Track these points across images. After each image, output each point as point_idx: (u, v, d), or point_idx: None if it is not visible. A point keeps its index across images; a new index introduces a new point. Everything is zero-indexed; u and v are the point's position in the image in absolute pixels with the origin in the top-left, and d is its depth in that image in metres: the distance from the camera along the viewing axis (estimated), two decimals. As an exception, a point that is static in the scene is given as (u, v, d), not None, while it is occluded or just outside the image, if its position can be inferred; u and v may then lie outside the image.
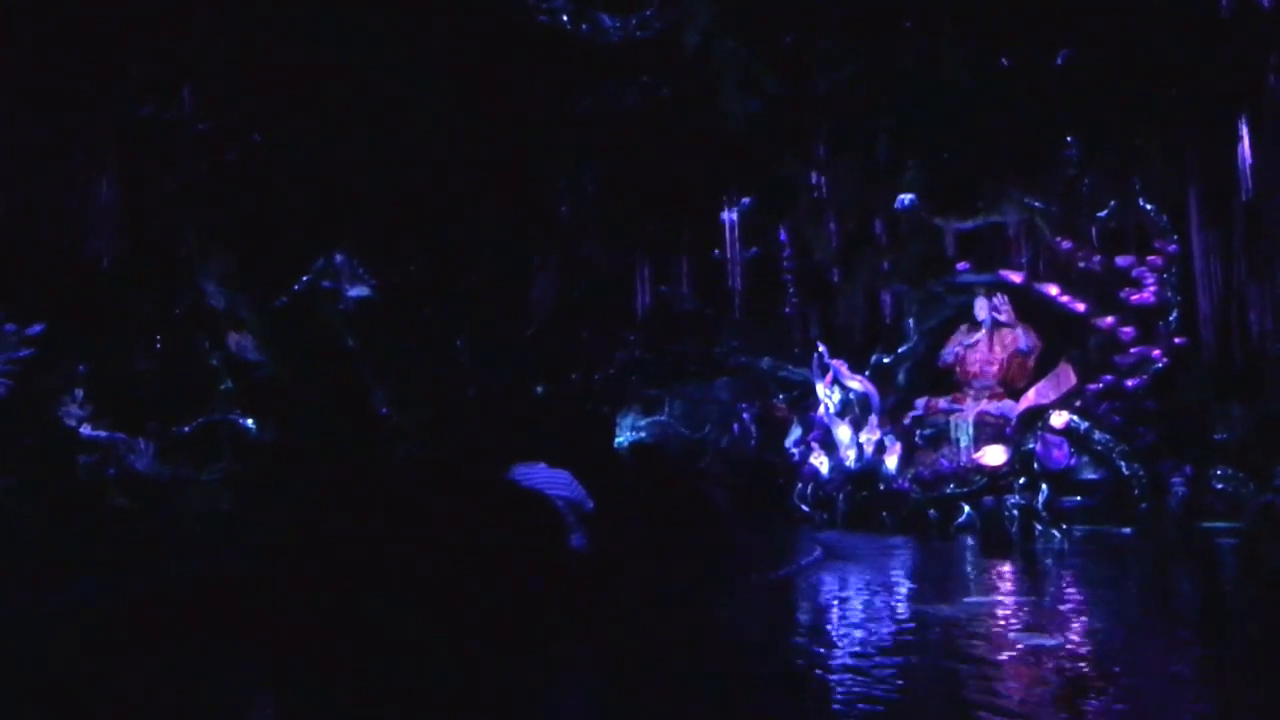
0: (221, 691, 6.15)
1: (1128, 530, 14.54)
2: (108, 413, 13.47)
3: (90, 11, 11.33)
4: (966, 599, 9.29)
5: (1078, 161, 15.17)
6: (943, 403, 17.84)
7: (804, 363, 20.18)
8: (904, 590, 10.38)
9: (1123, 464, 15.12)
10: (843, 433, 18.38)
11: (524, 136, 13.63)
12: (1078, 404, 16.05)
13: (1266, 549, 8.64)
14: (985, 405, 17.35)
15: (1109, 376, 16.05)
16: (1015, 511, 14.84)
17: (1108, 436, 15.47)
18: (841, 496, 17.91)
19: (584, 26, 10.34)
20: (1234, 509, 14.16)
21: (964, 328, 18.39)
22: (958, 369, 18.22)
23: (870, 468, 17.70)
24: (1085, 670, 6.08)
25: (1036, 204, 16.07)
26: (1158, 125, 14.40)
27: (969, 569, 12.01)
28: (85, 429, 13.12)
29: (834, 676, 5.97)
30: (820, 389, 19.21)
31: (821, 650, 6.74)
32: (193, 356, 14.69)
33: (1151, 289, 16.09)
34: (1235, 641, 7.31)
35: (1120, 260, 16.27)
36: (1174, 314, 15.88)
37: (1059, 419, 15.75)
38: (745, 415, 23.13)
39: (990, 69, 13.24)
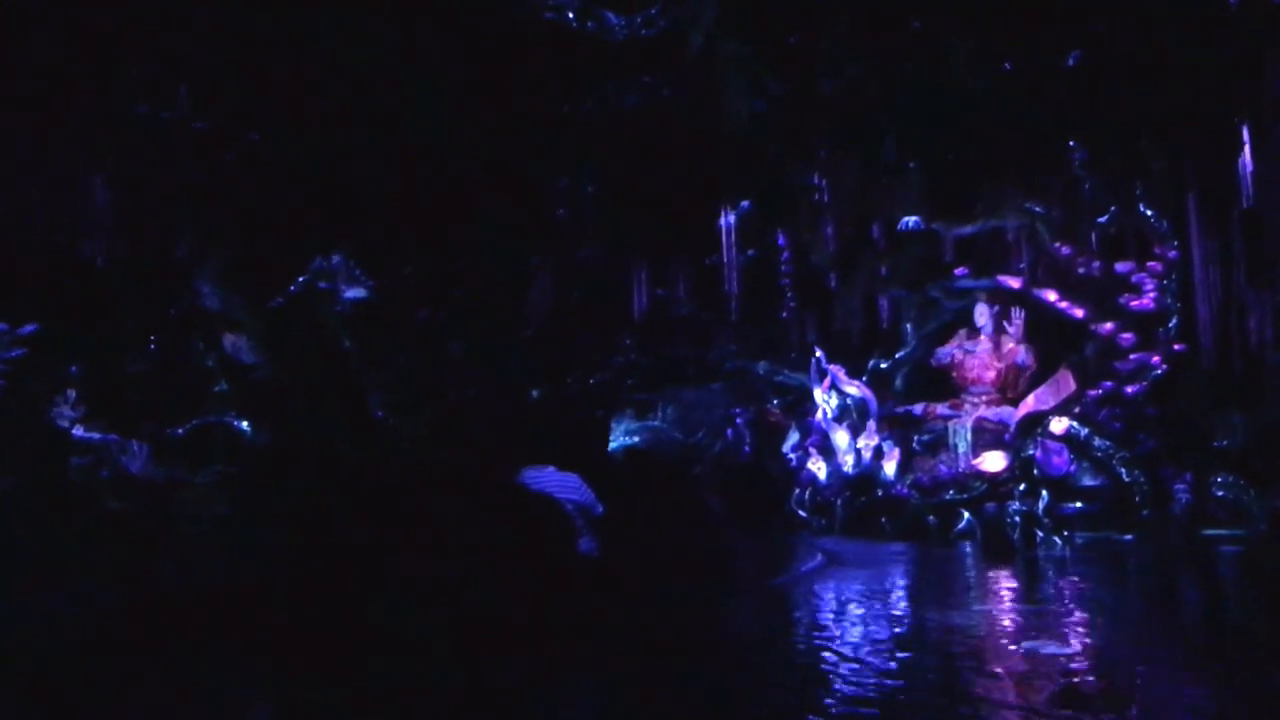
0: (219, 700, 6.02)
1: (1129, 537, 14.47)
2: (101, 414, 13.32)
3: (85, 10, 11.20)
4: (978, 607, 9.20)
5: (1079, 166, 15.14)
6: (941, 408, 17.78)
7: (801, 367, 20.10)
8: (912, 598, 10.27)
9: (1123, 470, 15.05)
10: (841, 438, 18.30)
11: (524, 138, 13.54)
12: (1077, 410, 15.99)
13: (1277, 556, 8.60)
14: (983, 411, 17.29)
15: (1108, 383, 16.00)
16: (1017, 518, 14.76)
17: (1108, 443, 15.41)
18: (840, 502, 17.82)
19: (590, 24, 10.24)
20: (1236, 516, 14.12)
21: (962, 333, 18.34)
22: (954, 374, 18.17)
23: (868, 473, 17.61)
24: (1107, 679, 5.98)
25: (1037, 208, 16.05)
26: (1159, 131, 14.40)
27: (974, 576, 11.91)
28: (78, 430, 12.97)
29: (850, 687, 5.86)
30: (818, 394, 19.13)
31: (832, 658, 6.63)
32: (188, 358, 14.54)
33: (1151, 295, 16.05)
34: (1255, 650, 7.22)
35: (1120, 266, 16.23)
36: (1174, 320, 15.84)
37: (1059, 425, 15.68)
38: (739, 420, 23.03)
39: (993, 72, 13.21)
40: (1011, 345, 17.76)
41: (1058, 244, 16.55)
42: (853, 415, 18.50)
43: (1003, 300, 17.85)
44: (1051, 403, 16.48)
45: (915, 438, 17.80)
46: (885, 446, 17.76)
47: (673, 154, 14.15)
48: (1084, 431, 15.56)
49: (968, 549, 14.74)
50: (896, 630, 8.05)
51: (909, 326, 19.19)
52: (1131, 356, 16.04)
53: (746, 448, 22.46)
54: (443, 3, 11.47)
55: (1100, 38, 13.28)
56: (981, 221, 16.81)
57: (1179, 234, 15.61)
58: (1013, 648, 6.97)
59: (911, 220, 16.51)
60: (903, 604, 9.79)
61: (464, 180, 14.08)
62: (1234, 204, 14.27)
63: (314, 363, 14.14)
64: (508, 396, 17.46)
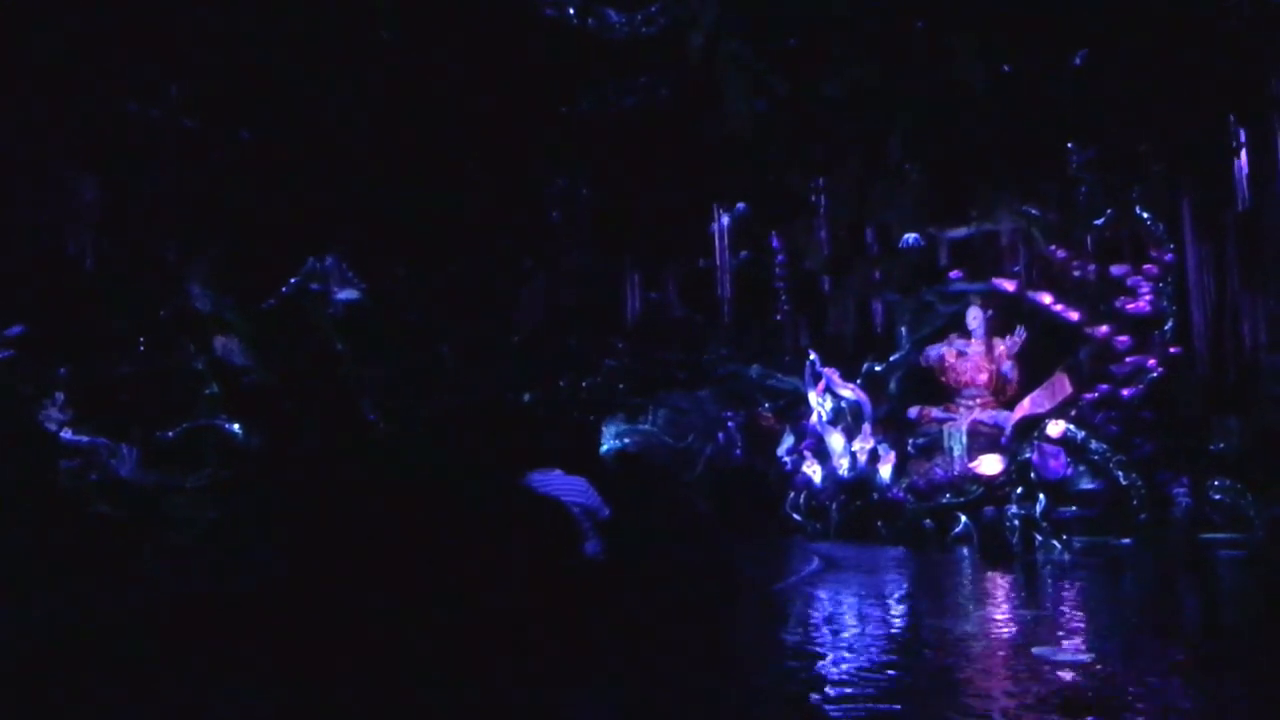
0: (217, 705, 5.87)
1: (1128, 541, 14.39)
2: (90, 417, 13.10)
3: (74, 9, 11.04)
4: (981, 613, 9.10)
5: (1076, 169, 15.10)
6: (935, 411, 17.71)
7: (794, 371, 20.04)
8: (914, 604, 10.14)
9: (1120, 474, 14.98)
10: (835, 441, 18.23)
11: (519, 139, 13.42)
12: (1073, 413, 15.94)
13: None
14: (979, 414, 17.23)
15: (1104, 386, 15.96)
16: (1016, 522, 14.69)
17: (1104, 446, 15.34)
18: (835, 506, 17.74)
19: (590, 21, 10.13)
20: (1233, 520, 14.07)
21: (952, 337, 18.27)
22: (944, 376, 18.08)
23: (864, 477, 17.54)
24: (1114, 686, 5.89)
25: (1033, 211, 16.00)
26: (1156, 134, 14.37)
27: (975, 582, 11.82)
28: (66, 433, 12.76)
29: (851, 692, 5.75)
30: (812, 397, 19.06)
31: (833, 664, 6.52)
32: (178, 360, 14.32)
33: (1147, 298, 16.04)
34: (1256, 655, 7.14)
35: (1115, 269, 16.22)
36: (1169, 323, 15.81)
37: (1055, 428, 15.61)
38: (730, 424, 22.96)
39: (993, 73, 13.15)
40: (1002, 349, 17.70)
41: (1053, 247, 16.52)
42: (847, 418, 18.44)
43: (998, 304, 17.79)
44: (1047, 406, 16.42)
45: (910, 441, 17.73)
46: (880, 450, 17.69)
47: (668, 156, 14.05)
48: (1081, 434, 15.50)
49: (965, 553, 14.66)
50: (897, 637, 7.95)
51: (903, 330, 19.12)
52: (1127, 360, 16.02)
53: (738, 451, 22.40)
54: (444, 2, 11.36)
55: (1098, 41, 13.24)
56: (976, 225, 16.77)
57: (1175, 237, 15.58)
58: (1018, 655, 6.86)
59: (912, 237, 16.56)
60: (903, 610, 9.68)
61: (457, 182, 13.96)
62: (1230, 207, 14.23)
63: (306, 365, 13.98)
64: (500, 399, 17.32)
